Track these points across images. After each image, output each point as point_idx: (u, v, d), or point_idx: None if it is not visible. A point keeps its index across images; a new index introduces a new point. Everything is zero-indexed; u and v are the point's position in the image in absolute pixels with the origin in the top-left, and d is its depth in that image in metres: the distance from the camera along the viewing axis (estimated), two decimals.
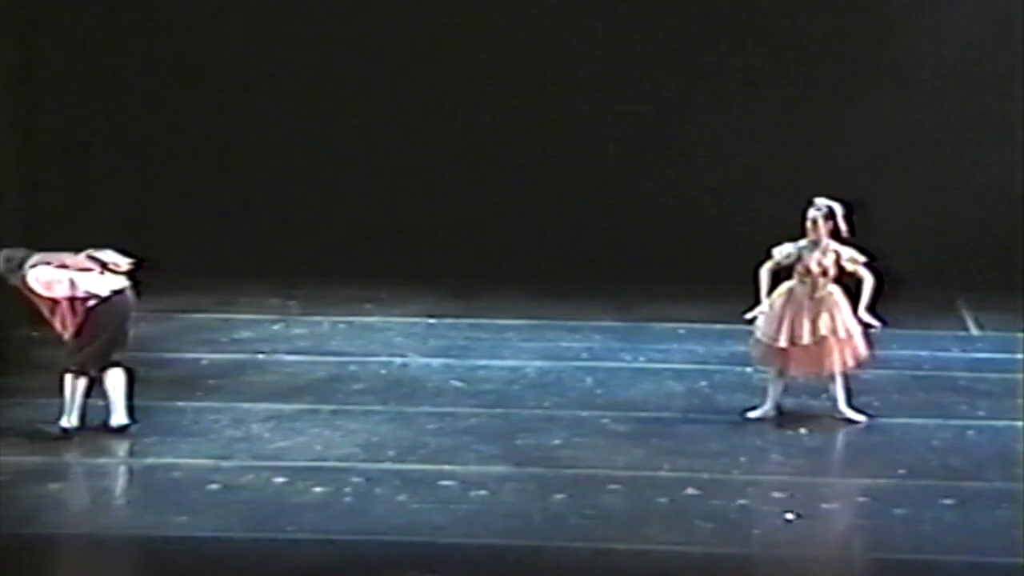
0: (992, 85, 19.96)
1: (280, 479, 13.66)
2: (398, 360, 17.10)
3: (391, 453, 14.32)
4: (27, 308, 14.58)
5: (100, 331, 14.40)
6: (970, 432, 15.04)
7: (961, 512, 13.18)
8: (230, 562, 12.19)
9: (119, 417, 14.52)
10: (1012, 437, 14.93)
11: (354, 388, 16.17)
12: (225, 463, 14.03)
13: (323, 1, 20.54)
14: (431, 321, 18.58)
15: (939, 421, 15.32)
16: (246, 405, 15.54)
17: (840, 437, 15.02)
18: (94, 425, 14.51)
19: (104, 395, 14.51)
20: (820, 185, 15.59)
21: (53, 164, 18.65)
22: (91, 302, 14.35)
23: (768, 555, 12.77)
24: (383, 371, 16.75)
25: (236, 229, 20.33)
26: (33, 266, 14.31)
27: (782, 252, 15.15)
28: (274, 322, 18.49)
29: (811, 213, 15.10)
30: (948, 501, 13.36)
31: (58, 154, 18.85)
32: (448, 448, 14.48)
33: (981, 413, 15.58)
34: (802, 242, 15.10)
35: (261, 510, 13.06)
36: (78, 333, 14.37)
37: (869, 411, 15.29)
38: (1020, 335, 18.13)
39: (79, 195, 19.15)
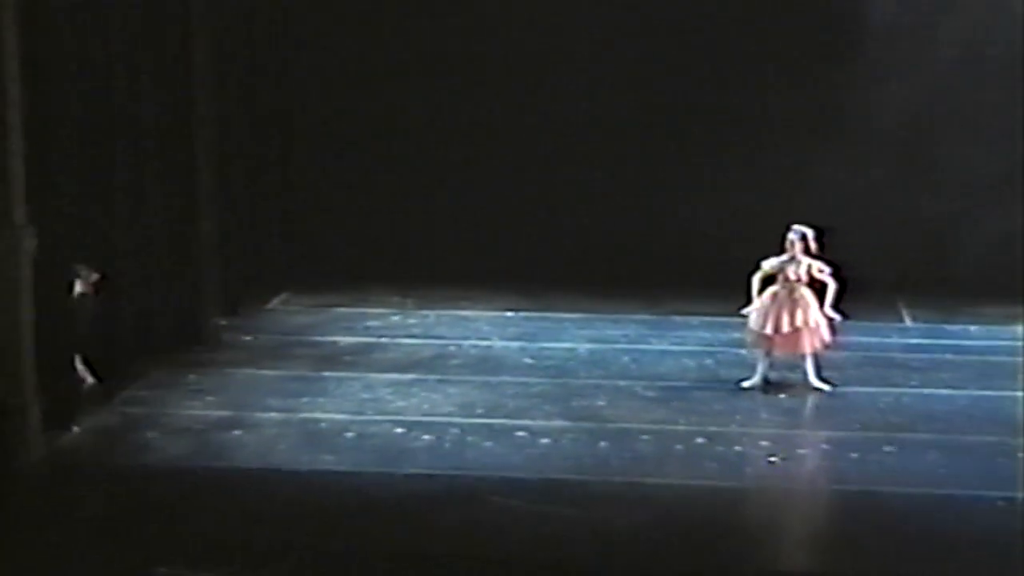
0: (927, 143, 19.85)
1: (399, 429, 13.71)
2: (484, 343, 17.08)
3: (479, 411, 14.34)
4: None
5: None
6: (905, 398, 14.95)
7: (898, 456, 13.17)
8: (362, 490, 12.26)
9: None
10: (936, 401, 14.84)
11: (453, 363, 16.15)
12: (358, 417, 14.08)
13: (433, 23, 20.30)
14: (509, 314, 18.52)
15: (883, 389, 15.21)
16: (373, 375, 15.55)
17: (810, 401, 14.94)
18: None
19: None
20: (797, 215, 15.57)
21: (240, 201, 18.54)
22: None
23: (757, 487, 12.81)
24: (474, 351, 16.72)
25: (367, 247, 20.32)
26: None
27: (769, 264, 15.13)
28: (394, 314, 18.45)
29: (790, 236, 15.08)
30: (889, 448, 13.34)
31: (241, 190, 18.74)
32: (522, 407, 14.49)
33: (913, 383, 15.46)
34: (783, 257, 15.07)
35: (385, 452, 13.14)
36: None
37: (832, 382, 15.21)
38: (944, 327, 18.04)
39: (258, 221, 19.16)
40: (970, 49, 19.59)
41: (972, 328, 17.90)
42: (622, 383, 15.41)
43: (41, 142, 13.04)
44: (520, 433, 13.63)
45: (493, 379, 15.48)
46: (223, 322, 17.53)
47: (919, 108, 19.78)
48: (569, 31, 19.99)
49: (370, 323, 17.97)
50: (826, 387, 15.11)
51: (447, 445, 13.30)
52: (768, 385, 15.16)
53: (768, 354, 15.18)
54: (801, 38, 19.72)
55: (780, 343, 15.10)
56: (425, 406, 14.45)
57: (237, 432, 13.58)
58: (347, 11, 20.25)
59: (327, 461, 12.86)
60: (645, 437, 13.59)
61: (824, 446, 13.82)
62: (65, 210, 13.79)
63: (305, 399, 14.62)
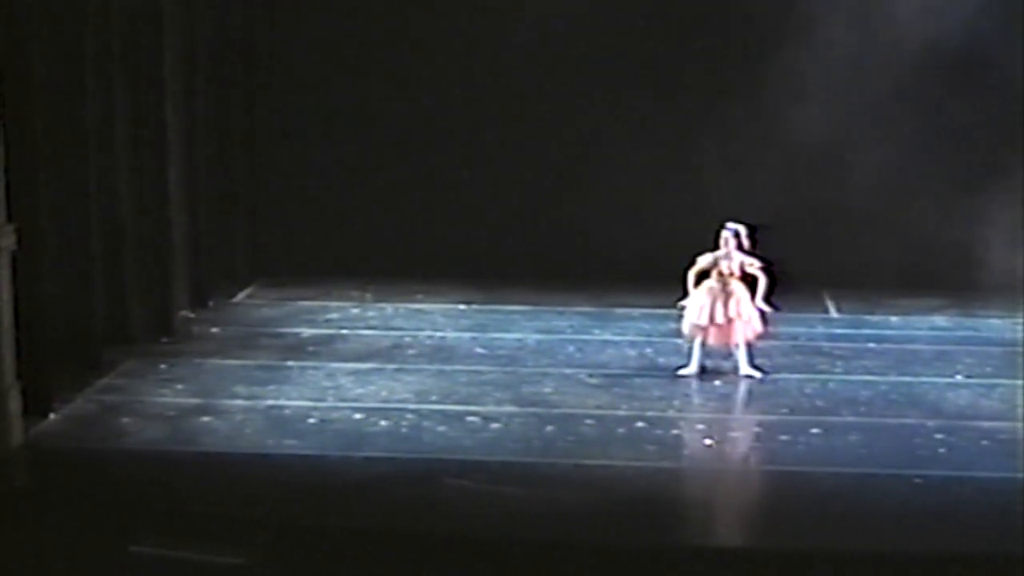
0: (851, 148, 19.90)
1: (358, 415, 13.68)
2: (439, 334, 17.07)
3: (434, 397, 14.31)
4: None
5: None
6: (830, 384, 15.02)
7: (824, 438, 13.23)
8: (324, 472, 12.23)
9: None
10: (858, 386, 14.89)
11: (409, 353, 16.11)
12: (320, 404, 14.04)
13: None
14: (462, 307, 18.49)
15: (809, 376, 15.27)
16: (334, 364, 15.50)
17: (743, 387, 14.98)
18: None
19: None
20: (730, 213, 15.63)
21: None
22: None
23: (694, 467, 12.86)
24: (429, 341, 16.69)
25: (328, 245, 20.24)
26: None
27: (704, 259, 15.16)
28: (354, 307, 18.39)
29: (723, 233, 15.13)
30: (815, 430, 13.40)
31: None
32: (474, 394, 14.47)
33: (838, 370, 15.53)
34: (718, 252, 15.12)
35: (345, 436, 13.11)
36: None
37: (763, 369, 15.27)
38: (866, 317, 18.13)
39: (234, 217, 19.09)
40: (891, 59, 19.69)
41: (892, 319, 18.00)
42: (568, 371, 15.42)
43: (17, 144, 12.92)
44: (472, 418, 13.63)
45: (447, 368, 15.46)
46: (193, 315, 17.48)
47: (841, 117, 19.83)
48: (526, 34, 19.91)
49: (331, 316, 17.91)
50: (757, 374, 15.16)
51: (403, 430, 13.28)
52: (703, 372, 15.19)
53: (703, 343, 15.21)
54: (737, 51, 19.80)
55: (714, 333, 15.14)
56: (383, 393, 14.41)
57: (207, 418, 13.53)
58: (313, 7, 20.11)
59: (291, 445, 12.82)
60: (589, 421, 13.62)
61: (755, 429, 13.88)
62: (42, 208, 13.67)
63: (270, 387, 14.57)
